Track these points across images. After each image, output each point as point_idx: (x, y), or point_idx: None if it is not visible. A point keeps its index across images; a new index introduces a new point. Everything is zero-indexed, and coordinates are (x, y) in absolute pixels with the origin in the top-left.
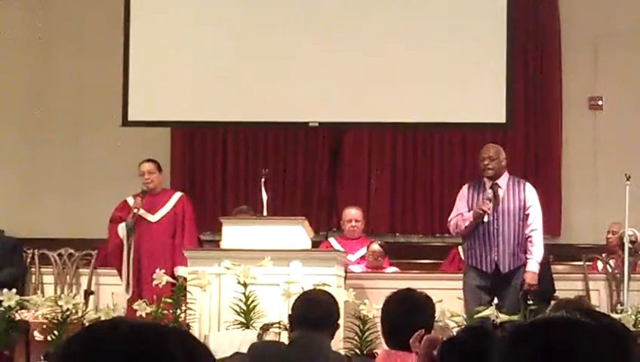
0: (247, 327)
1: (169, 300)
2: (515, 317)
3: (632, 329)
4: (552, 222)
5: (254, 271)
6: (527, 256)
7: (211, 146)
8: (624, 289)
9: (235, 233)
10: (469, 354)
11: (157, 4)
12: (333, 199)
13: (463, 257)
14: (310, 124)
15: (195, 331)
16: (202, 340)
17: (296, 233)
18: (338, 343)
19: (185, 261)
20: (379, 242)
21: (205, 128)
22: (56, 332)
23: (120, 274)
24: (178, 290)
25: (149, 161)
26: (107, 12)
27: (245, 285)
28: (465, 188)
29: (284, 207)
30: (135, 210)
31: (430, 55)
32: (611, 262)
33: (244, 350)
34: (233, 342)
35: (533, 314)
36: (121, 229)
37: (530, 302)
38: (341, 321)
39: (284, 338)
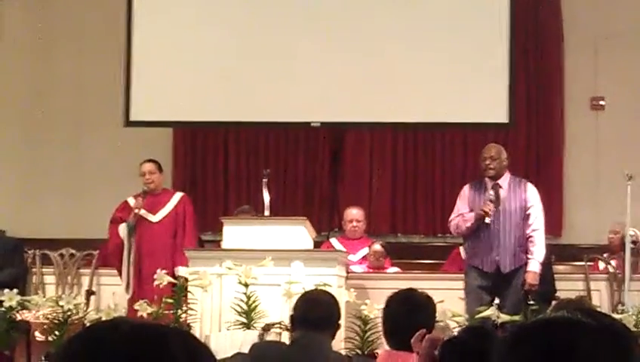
0: (249, 327)
1: (170, 300)
2: (516, 318)
3: (633, 329)
4: (554, 222)
5: (255, 271)
6: (529, 256)
7: (213, 146)
8: (625, 289)
9: (236, 233)
10: (469, 355)
11: (158, 5)
12: (334, 199)
13: (464, 257)
14: (312, 124)
15: (196, 331)
16: (203, 340)
17: (297, 233)
18: (339, 343)
19: (186, 261)
20: (380, 242)
21: (207, 128)
22: (57, 332)
23: (120, 275)
24: (179, 290)
25: (149, 161)
26: (107, 12)
27: (246, 285)
28: (466, 188)
29: (286, 207)
30: (136, 210)
31: (432, 55)
32: (612, 262)
33: (246, 350)
34: (234, 343)
35: (534, 314)
36: (122, 229)
37: (532, 302)
38: (342, 321)
39: (286, 338)
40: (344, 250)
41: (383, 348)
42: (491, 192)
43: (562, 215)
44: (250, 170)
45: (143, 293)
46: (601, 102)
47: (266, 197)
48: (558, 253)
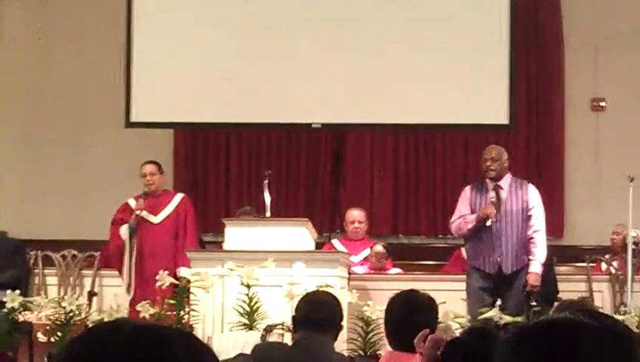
0: (251, 329)
1: (172, 301)
2: (518, 319)
3: (635, 330)
4: (555, 224)
5: (257, 272)
6: (530, 258)
7: (214, 147)
8: (627, 290)
9: (238, 234)
10: (472, 356)
11: (159, 6)
12: (335, 200)
13: (465, 258)
14: (313, 126)
15: (198, 332)
16: (206, 341)
17: (299, 234)
18: (341, 344)
19: (187, 262)
20: (382, 243)
21: (208, 129)
22: (59, 333)
23: (121, 276)
24: (181, 292)
25: (150, 162)
26: (107, 12)
27: (248, 286)
28: (467, 189)
29: (287, 209)
30: (138, 212)
31: (432, 56)
32: (614, 263)
33: (248, 351)
34: (236, 344)
35: (536, 315)
36: (124, 231)
37: (533, 303)
38: (344, 322)
39: (288, 339)
40: (346, 251)
41: (385, 349)
42: (493, 194)
43: (563, 216)
44: (252, 171)
45: (144, 294)
46: (602, 103)
47: (268, 198)
48: (559, 254)
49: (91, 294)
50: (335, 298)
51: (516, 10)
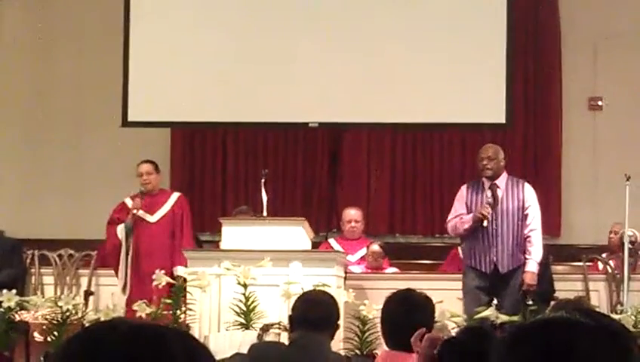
0: (247, 328)
1: (169, 301)
2: (515, 318)
3: (631, 329)
4: (552, 223)
5: (254, 271)
6: (526, 256)
7: (211, 147)
8: (624, 289)
9: (234, 234)
10: (468, 355)
11: (156, 6)
12: (332, 200)
13: (462, 257)
14: (310, 125)
15: (195, 332)
16: (202, 341)
17: (296, 234)
18: (338, 344)
19: (184, 261)
20: (379, 243)
21: (205, 129)
22: (56, 333)
23: (117, 275)
24: (178, 291)
25: (147, 162)
26: (107, 12)
27: (245, 286)
28: (464, 188)
29: (284, 208)
30: (135, 211)
31: (430, 55)
32: (611, 262)
33: (244, 351)
34: (233, 343)
35: (533, 314)
36: (120, 230)
37: (530, 302)
38: (341, 322)
39: (284, 338)
40: (342, 250)
41: (381, 348)
42: (489, 194)
43: (560, 215)
44: (249, 171)
45: (141, 294)
46: (599, 103)
47: (265, 197)
48: (556, 253)
49: (88, 293)
50: (332, 297)
51: (514, 9)
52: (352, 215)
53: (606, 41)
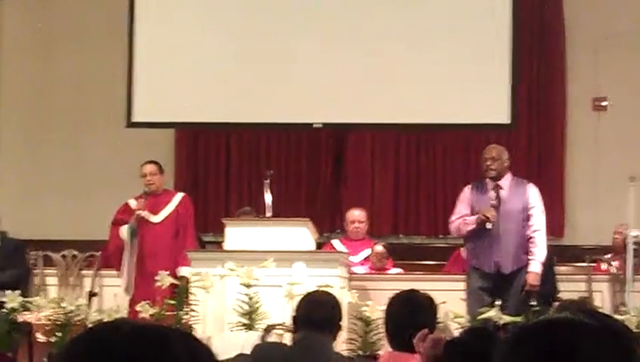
0: (251, 329)
1: (172, 302)
2: (518, 319)
3: (635, 330)
4: (555, 223)
5: (257, 272)
6: (530, 257)
7: (215, 148)
8: (627, 290)
9: (238, 234)
10: (471, 356)
11: (160, 8)
12: (336, 200)
13: (465, 258)
14: (314, 126)
15: (198, 332)
16: (205, 342)
17: (299, 234)
18: (341, 344)
19: (188, 261)
20: (382, 243)
21: (209, 130)
22: (59, 333)
23: (120, 276)
24: (181, 291)
25: (150, 162)
26: (107, 12)
27: (248, 286)
28: (467, 189)
29: (288, 209)
30: (139, 212)
31: (434, 56)
32: (614, 263)
33: (248, 351)
34: (236, 344)
35: (536, 315)
36: (124, 231)
37: (533, 303)
38: (344, 322)
39: (287, 339)
40: (346, 251)
41: (384, 349)
42: (493, 194)
43: (564, 216)
44: (252, 172)
45: (144, 294)
46: (603, 103)
47: (268, 198)
48: (559, 253)
49: (91, 294)
50: (335, 298)
51: (519, 10)
52: (356, 215)
53: (610, 41)
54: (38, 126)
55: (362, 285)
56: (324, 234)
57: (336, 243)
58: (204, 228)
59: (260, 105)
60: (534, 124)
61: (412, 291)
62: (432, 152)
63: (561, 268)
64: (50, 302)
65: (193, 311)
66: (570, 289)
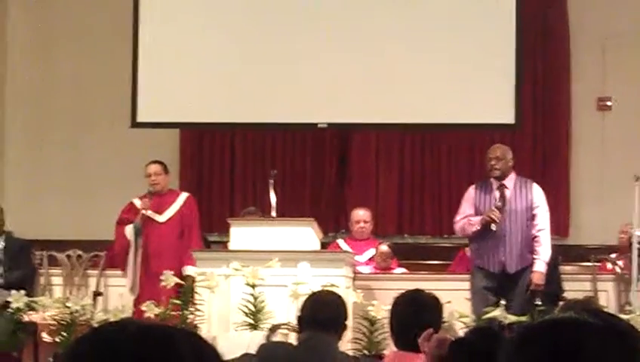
0: (256, 328)
1: (177, 301)
2: (523, 318)
3: None
4: (560, 223)
5: (262, 272)
6: (534, 256)
7: (219, 147)
8: (632, 290)
9: (243, 234)
10: (477, 355)
11: (165, 9)
12: (341, 200)
13: (470, 258)
14: (319, 126)
15: (203, 332)
16: (210, 341)
17: (304, 234)
18: (346, 344)
19: (193, 261)
20: (387, 243)
21: (214, 130)
22: (64, 333)
23: (125, 276)
24: (186, 291)
25: (155, 162)
26: (108, 12)
27: (253, 286)
28: (471, 188)
29: (293, 209)
30: (144, 211)
31: (439, 56)
32: (620, 262)
33: (253, 351)
34: (241, 344)
35: (541, 314)
36: (129, 231)
37: (538, 302)
38: (349, 322)
39: (293, 339)
40: (351, 250)
41: (390, 348)
42: (497, 194)
43: (569, 215)
44: (257, 172)
45: (149, 294)
46: (608, 103)
47: (273, 198)
48: (564, 253)
49: (96, 294)
50: (340, 298)
51: (523, 9)
52: (361, 215)
53: (615, 41)
54: (43, 126)
55: (367, 285)
56: (328, 234)
57: (342, 242)
58: (209, 228)
59: (264, 105)
60: (539, 124)
61: (417, 291)
62: (436, 152)
63: (566, 268)
64: (55, 302)
65: (198, 310)
66: (575, 288)
